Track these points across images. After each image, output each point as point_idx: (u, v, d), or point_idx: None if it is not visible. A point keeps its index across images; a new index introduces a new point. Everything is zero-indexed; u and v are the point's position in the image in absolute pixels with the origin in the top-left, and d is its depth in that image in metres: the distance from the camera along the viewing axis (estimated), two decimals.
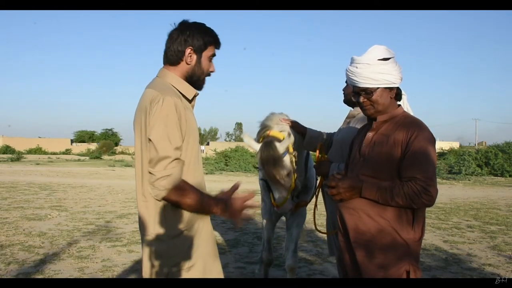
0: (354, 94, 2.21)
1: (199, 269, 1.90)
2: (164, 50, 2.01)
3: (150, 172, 1.80)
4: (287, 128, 3.28)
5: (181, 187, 1.81)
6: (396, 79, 2.10)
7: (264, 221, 3.86)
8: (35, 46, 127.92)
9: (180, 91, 1.95)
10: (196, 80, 2.01)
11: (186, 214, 1.89)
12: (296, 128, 3.34)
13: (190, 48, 1.95)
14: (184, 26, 1.98)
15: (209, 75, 2.06)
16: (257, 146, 3.13)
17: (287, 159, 3.10)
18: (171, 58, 1.97)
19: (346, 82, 3.15)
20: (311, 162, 3.73)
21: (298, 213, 3.73)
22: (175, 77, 1.97)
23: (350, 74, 2.16)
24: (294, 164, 3.18)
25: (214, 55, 2.04)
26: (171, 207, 1.86)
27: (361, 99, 2.14)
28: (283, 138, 3.14)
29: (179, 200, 1.82)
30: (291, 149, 3.16)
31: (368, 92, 2.10)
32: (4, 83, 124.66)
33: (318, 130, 3.44)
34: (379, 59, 2.09)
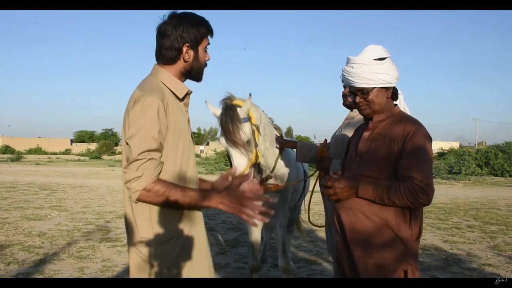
0: (350, 94, 2.21)
1: (189, 275, 1.80)
2: (156, 47, 1.89)
3: (124, 172, 1.73)
4: (249, 101, 3.23)
5: (155, 187, 1.69)
6: (392, 78, 2.10)
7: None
8: (35, 46, 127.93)
9: (171, 89, 1.86)
10: (195, 74, 1.94)
11: (176, 218, 1.79)
12: (288, 144, 3.42)
13: (187, 46, 1.86)
14: (176, 20, 1.85)
15: (206, 65, 1.99)
16: (218, 111, 3.14)
17: (247, 126, 3.07)
18: (167, 56, 1.87)
19: (344, 86, 3.17)
20: (289, 152, 3.76)
21: (279, 213, 3.66)
22: (167, 75, 1.87)
23: (346, 74, 2.16)
24: (256, 137, 3.14)
25: (208, 44, 1.96)
26: (159, 211, 1.77)
27: (357, 99, 2.14)
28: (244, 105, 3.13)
29: (156, 201, 1.71)
30: (253, 120, 3.14)
31: (364, 92, 2.10)
32: (4, 83, 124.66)
33: (309, 142, 3.49)
34: (375, 59, 2.09)
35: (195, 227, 1.86)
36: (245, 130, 3.05)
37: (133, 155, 1.68)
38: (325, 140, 3.23)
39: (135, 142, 1.70)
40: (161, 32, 1.86)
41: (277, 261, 5.07)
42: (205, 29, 1.90)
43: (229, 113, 3.04)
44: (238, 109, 3.07)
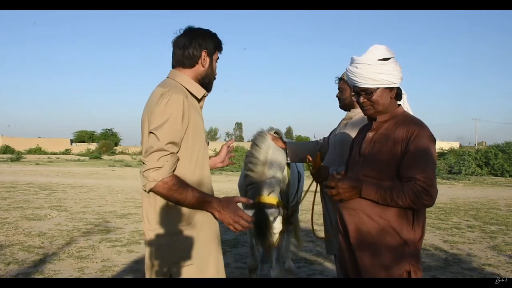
0: (354, 93, 2.21)
1: (200, 267, 1.90)
2: (173, 56, 2.06)
3: (142, 162, 1.82)
4: (276, 187, 3.14)
5: (171, 181, 1.80)
6: (396, 79, 2.10)
7: None
8: (35, 46, 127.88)
9: (190, 91, 2.00)
10: (207, 82, 2.08)
11: (189, 211, 1.89)
12: (278, 143, 3.34)
13: (205, 51, 2.02)
14: (194, 32, 2.05)
15: (215, 78, 2.15)
16: (249, 212, 3.09)
17: (278, 220, 3.02)
18: (186, 61, 2.02)
19: (338, 88, 3.15)
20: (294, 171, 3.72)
21: None
22: (185, 78, 2.02)
23: (350, 74, 2.15)
24: (283, 221, 3.11)
25: (218, 58, 2.14)
26: (172, 204, 1.87)
27: (361, 99, 2.14)
28: (276, 203, 3.06)
29: (168, 194, 1.81)
30: (280, 203, 3.10)
31: (368, 92, 2.10)
32: (4, 83, 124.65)
33: (298, 142, 3.48)
34: (379, 59, 2.09)
35: (208, 220, 1.96)
36: (277, 227, 3.01)
37: (159, 144, 1.78)
38: (319, 154, 3.10)
39: (162, 132, 1.80)
40: (181, 42, 2.02)
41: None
42: (218, 42, 2.08)
43: (263, 222, 2.95)
44: (271, 212, 2.96)
